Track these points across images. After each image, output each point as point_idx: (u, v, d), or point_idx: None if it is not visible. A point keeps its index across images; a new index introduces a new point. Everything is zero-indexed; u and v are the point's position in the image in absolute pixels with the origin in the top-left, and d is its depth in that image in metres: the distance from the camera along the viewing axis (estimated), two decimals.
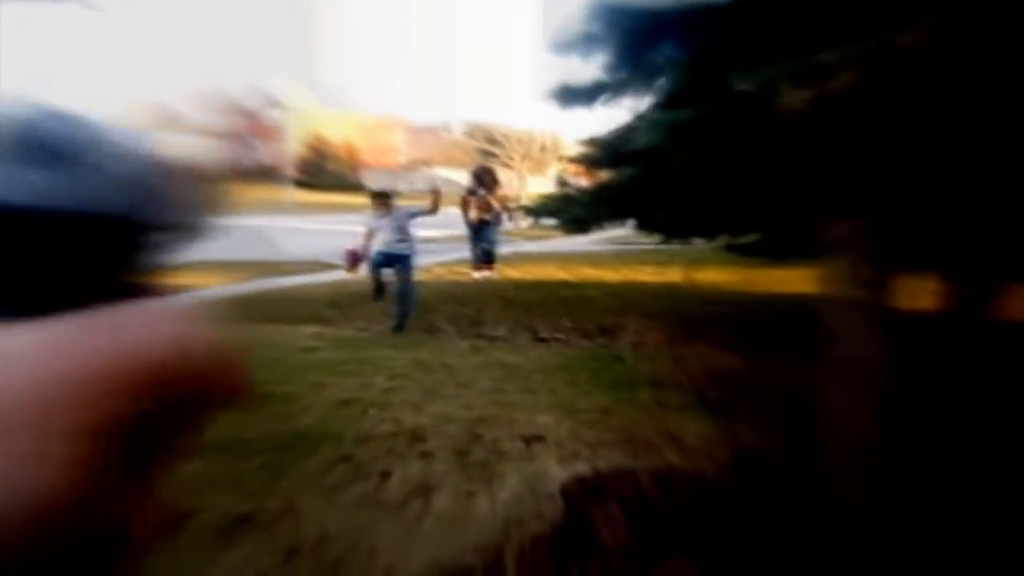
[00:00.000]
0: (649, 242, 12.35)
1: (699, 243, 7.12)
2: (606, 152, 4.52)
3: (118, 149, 0.25)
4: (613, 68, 3.73)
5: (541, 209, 5.49)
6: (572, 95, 3.91)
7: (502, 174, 32.18)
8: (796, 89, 2.12)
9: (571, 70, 4.21)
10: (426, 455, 3.11)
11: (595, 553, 2.11)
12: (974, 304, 4.18)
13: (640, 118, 3.89)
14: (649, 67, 3.62)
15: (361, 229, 7.09)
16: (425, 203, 6.96)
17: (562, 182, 31.73)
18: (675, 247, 8.61)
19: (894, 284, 2.74)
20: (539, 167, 22.08)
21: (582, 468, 2.95)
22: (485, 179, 9.79)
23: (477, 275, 9.83)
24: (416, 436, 3.35)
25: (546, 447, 3.23)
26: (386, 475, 2.87)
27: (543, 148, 21.34)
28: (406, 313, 6.78)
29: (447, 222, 15.96)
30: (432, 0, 66.33)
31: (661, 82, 3.64)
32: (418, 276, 7.36)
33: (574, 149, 22.87)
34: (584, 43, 3.68)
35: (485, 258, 10.04)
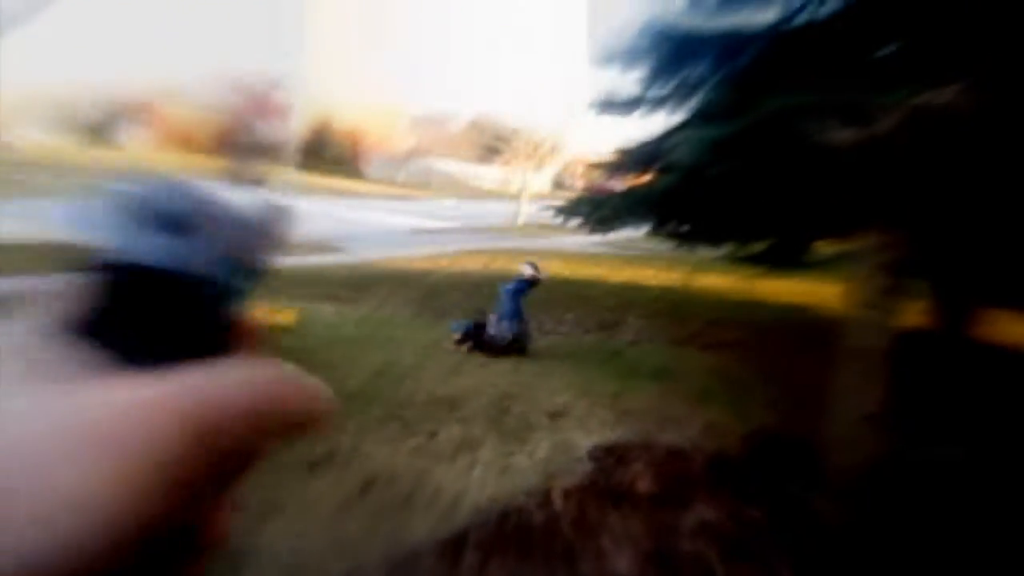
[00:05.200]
0: (649, 247, 12.72)
1: (703, 250, 7.47)
2: (636, 160, 4.85)
3: (228, 214, 0.29)
4: (650, 82, 4.08)
5: (569, 209, 5.79)
6: (612, 106, 4.26)
7: (502, 170, 31.92)
8: (843, 128, 2.46)
9: (605, 81, 4.55)
10: (464, 420, 3.43)
11: (629, 498, 2.44)
12: (957, 324, 4.64)
13: (677, 132, 4.22)
14: (686, 84, 3.98)
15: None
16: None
17: (560, 184, 31.96)
18: (675, 252, 8.96)
19: (901, 295, 3.10)
20: (538, 167, 22.28)
21: (604, 440, 3.28)
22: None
23: None
24: (451, 404, 3.67)
25: (568, 421, 3.56)
26: (433, 434, 3.19)
27: (551, 149, 21.48)
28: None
29: (442, 214, 16.12)
30: None
31: (696, 98, 4.00)
32: (424, 265, 7.09)
33: (574, 152, 23.14)
34: (628, 56, 4.02)
35: None
